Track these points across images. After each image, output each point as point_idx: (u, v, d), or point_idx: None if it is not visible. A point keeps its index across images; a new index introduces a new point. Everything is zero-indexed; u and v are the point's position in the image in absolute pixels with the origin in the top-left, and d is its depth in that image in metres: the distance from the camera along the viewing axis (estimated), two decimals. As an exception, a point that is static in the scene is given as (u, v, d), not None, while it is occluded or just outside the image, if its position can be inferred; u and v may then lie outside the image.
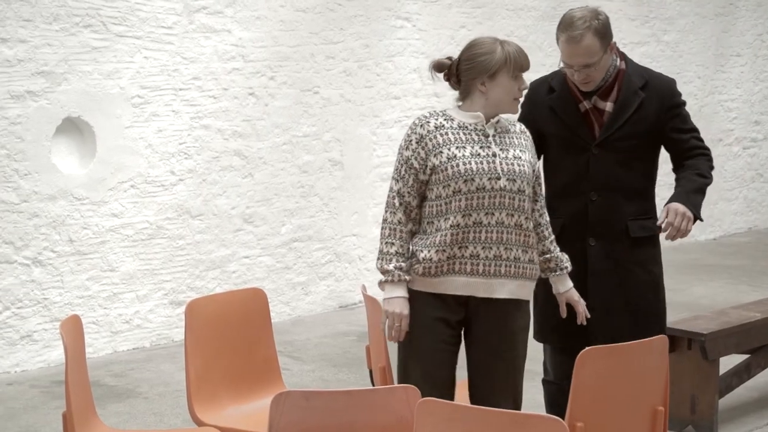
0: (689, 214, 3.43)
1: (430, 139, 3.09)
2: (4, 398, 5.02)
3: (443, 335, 3.14)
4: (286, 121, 6.66)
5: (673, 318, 3.63)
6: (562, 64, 3.52)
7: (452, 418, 2.44)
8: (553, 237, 3.32)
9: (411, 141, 3.13)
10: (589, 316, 3.38)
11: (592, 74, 3.47)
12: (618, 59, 3.57)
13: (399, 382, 3.18)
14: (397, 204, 3.14)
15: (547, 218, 3.31)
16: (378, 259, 3.16)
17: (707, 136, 9.94)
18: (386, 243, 3.14)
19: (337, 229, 6.93)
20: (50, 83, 5.49)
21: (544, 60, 8.47)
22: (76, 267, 5.68)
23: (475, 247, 3.09)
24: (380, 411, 2.58)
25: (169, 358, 5.72)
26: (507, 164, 3.10)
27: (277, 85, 6.57)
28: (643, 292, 3.59)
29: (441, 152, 3.07)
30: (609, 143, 3.53)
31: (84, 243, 5.70)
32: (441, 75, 3.19)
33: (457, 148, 3.07)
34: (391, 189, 3.17)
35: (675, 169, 3.68)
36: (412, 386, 2.61)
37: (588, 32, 3.40)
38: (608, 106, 3.53)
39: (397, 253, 3.13)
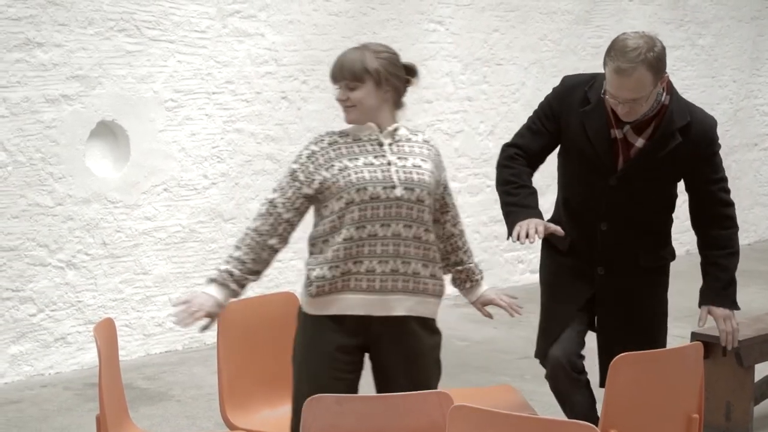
0: (730, 313, 3.42)
1: (322, 155, 2.96)
2: (38, 400, 5.06)
3: (340, 363, 2.95)
4: (319, 125, 6.66)
5: (708, 324, 3.58)
6: (605, 92, 3.22)
7: (485, 424, 2.42)
8: (468, 247, 3.16)
9: (301, 155, 3.00)
10: (518, 312, 3.16)
11: (636, 108, 3.18)
12: (664, 92, 3.27)
13: (293, 406, 3.00)
14: (264, 212, 2.98)
15: (462, 228, 3.16)
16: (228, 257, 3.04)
17: (742, 140, 9.90)
18: (235, 246, 3.01)
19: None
20: (85, 87, 5.53)
21: (578, 64, 8.43)
22: (109, 270, 5.71)
23: (370, 262, 2.90)
24: (413, 416, 2.57)
25: (201, 361, 5.74)
26: (404, 173, 2.93)
27: (309, 89, 6.58)
28: (652, 320, 3.49)
29: (333, 165, 2.93)
30: (630, 179, 3.30)
31: (117, 246, 5.74)
32: None
33: (349, 159, 2.93)
34: (265, 198, 3.04)
35: (696, 226, 3.47)
36: (445, 392, 2.59)
37: (641, 66, 3.08)
38: (639, 141, 3.27)
39: (238, 259, 2.97)
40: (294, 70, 6.50)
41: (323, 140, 3.01)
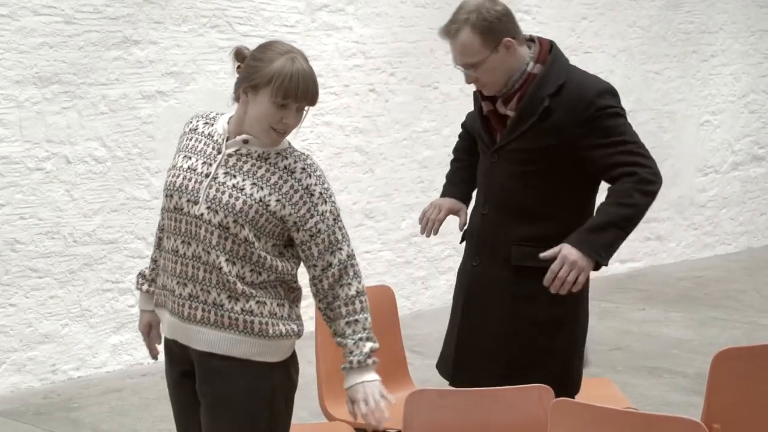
0: (582, 262, 2.76)
1: (181, 141, 2.61)
2: (138, 389, 5.20)
3: (181, 392, 2.60)
4: (406, 117, 6.70)
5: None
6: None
7: (587, 419, 2.42)
8: (351, 318, 2.52)
9: (180, 138, 2.65)
10: (377, 428, 2.56)
11: (481, 78, 2.89)
12: (533, 62, 2.93)
13: None
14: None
15: (347, 292, 2.52)
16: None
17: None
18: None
19: (457, 223, 6.94)
20: (179, 83, 5.65)
21: (668, 50, 8.32)
22: (204, 261, 5.83)
23: (172, 280, 2.50)
24: (513, 410, 2.59)
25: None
26: (216, 191, 2.45)
27: (397, 81, 6.61)
28: (524, 329, 2.93)
29: (176, 156, 2.58)
30: (506, 152, 2.96)
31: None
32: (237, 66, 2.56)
33: (184, 157, 2.55)
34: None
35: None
36: (546, 386, 2.60)
37: (465, 27, 2.87)
38: (509, 112, 2.96)
39: (152, 258, 2.68)
40: (381, 63, 6.53)
41: (191, 122, 2.62)
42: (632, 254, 8.04)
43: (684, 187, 8.63)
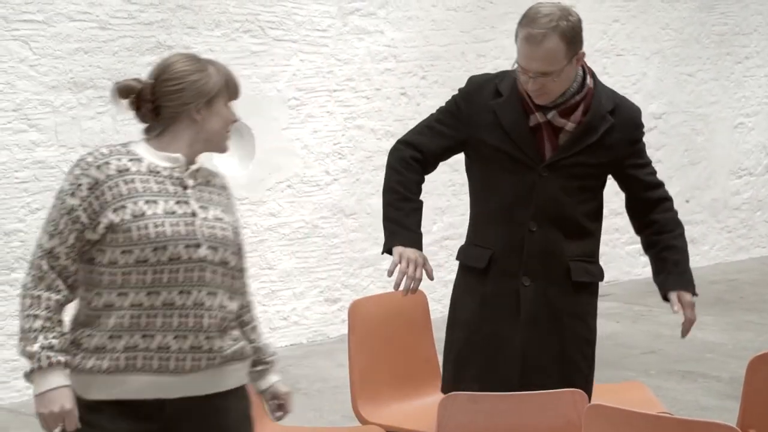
0: (694, 300, 3.06)
1: (110, 188, 2.29)
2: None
3: None
4: (438, 120, 6.71)
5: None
6: (516, 66, 2.91)
7: (621, 423, 2.42)
8: (256, 323, 2.56)
9: (80, 186, 2.30)
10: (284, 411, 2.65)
11: (548, 86, 2.84)
12: (587, 75, 2.97)
13: None
14: (45, 267, 2.30)
15: (251, 299, 2.55)
16: (19, 341, 2.30)
17: None
18: (27, 317, 2.28)
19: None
20: (212, 88, 5.68)
21: (701, 53, 8.26)
22: (236, 265, 5.87)
23: (164, 337, 2.31)
24: (547, 414, 2.59)
25: (325, 354, 5.85)
26: (207, 227, 2.34)
27: (428, 85, 6.62)
28: (579, 347, 3.03)
29: (124, 207, 2.29)
30: (562, 167, 2.93)
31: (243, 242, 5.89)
32: (126, 102, 2.39)
33: (146, 202, 2.30)
34: (40, 246, 2.32)
35: (637, 214, 3.12)
36: (580, 390, 2.60)
37: (553, 34, 2.79)
38: (569, 125, 2.93)
39: (43, 328, 2.28)
40: (413, 66, 6.54)
41: (108, 163, 2.32)
42: (665, 257, 7.99)
43: (718, 189, 8.56)
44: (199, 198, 2.37)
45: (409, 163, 3.05)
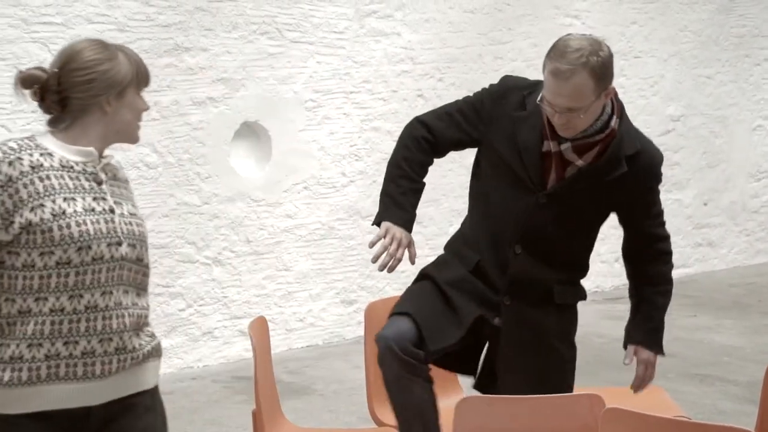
0: (655, 360, 3.04)
1: (25, 185, 2.14)
2: (189, 392, 5.25)
3: None
4: (454, 122, 6.70)
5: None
6: (542, 98, 2.78)
7: (638, 427, 2.40)
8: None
9: None
10: None
11: (573, 121, 2.74)
12: (614, 115, 2.84)
13: None
14: None
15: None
16: None
17: None
18: None
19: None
20: (229, 89, 5.70)
21: (720, 55, 8.22)
22: (253, 266, 5.88)
23: (89, 342, 2.18)
24: (564, 418, 2.58)
25: (342, 355, 5.85)
26: (125, 224, 2.24)
27: (445, 87, 6.62)
28: (561, 366, 2.99)
29: (43, 205, 2.14)
30: (562, 199, 2.85)
31: (260, 243, 5.90)
32: (29, 92, 2.24)
33: (65, 200, 2.16)
34: None
35: (631, 261, 3.05)
36: (597, 394, 2.59)
37: (582, 70, 2.65)
38: (579, 162, 2.84)
39: None
40: (430, 68, 6.54)
41: (21, 159, 2.15)
42: (683, 260, 7.95)
43: (736, 192, 8.52)
44: (113, 193, 2.27)
45: (420, 143, 3.01)
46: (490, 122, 2.91)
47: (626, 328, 3.11)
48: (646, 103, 7.59)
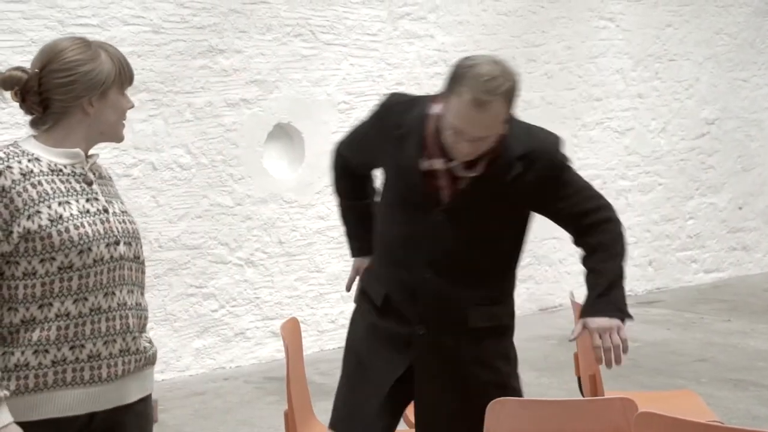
0: (614, 323, 2.66)
1: (19, 193, 2.10)
2: (221, 392, 5.28)
3: None
4: (487, 125, 6.69)
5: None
6: (448, 128, 2.55)
7: (672, 431, 2.39)
8: None
9: None
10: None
11: (480, 147, 2.58)
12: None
13: None
14: None
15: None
16: None
17: None
18: None
19: (537, 232, 6.88)
20: (263, 91, 5.73)
21: (756, 58, 8.15)
22: (285, 268, 5.90)
23: (94, 345, 2.16)
24: (596, 421, 2.56)
25: (373, 357, 5.85)
26: (119, 222, 2.24)
27: (478, 89, 6.61)
28: (487, 394, 2.68)
29: (39, 212, 2.11)
30: (460, 213, 2.67)
31: (293, 244, 5.92)
32: (8, 94, 2.20)
33: (60, 204, 2.14)
34: None
35: (575, 242, 2.82)
36: (629, 398, 2.57)
37: (501, 98, 2.50)
38: (471, 174, 2.65)
39: None
40: (463, 71, 6.54)
41: (11, 168, 2.12)
42: (717, 264, 7.89)
43: (771, 196, 8.44)
44: (104, 192, 2.25)
45: (345, 171, 2.99)
46: (377, 144, 2.78)
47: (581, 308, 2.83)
48: (681, 106, 7.54)
